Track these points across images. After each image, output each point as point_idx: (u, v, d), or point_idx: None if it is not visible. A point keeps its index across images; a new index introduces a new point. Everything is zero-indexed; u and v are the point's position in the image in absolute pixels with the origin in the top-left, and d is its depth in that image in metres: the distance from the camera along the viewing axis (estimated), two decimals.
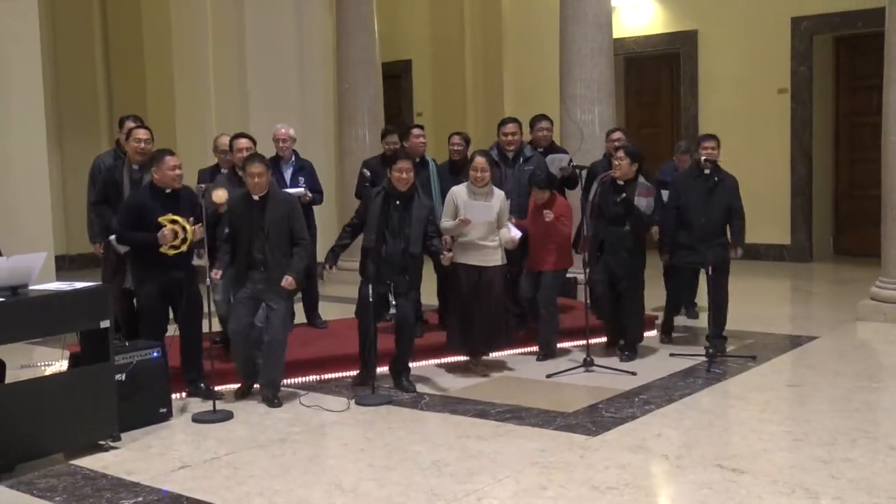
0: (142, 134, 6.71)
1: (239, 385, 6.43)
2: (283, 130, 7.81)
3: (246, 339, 6.24)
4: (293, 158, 7.88)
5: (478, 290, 6.68)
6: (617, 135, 7.99)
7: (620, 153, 7.11)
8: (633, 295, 7.12)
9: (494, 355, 7.13)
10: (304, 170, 7.91)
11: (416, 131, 7.70)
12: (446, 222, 6.73)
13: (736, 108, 12.16)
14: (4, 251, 5.60)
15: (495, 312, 6.77)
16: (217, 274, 6.14)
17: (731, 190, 7.27)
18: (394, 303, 6.25)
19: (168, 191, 6.11)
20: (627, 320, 7.17)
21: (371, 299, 6.22)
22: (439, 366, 7.09)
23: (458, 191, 6.77)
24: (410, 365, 6.68)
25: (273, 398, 6.17)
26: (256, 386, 6.36)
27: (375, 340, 6.42)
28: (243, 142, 7.00)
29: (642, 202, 6.99)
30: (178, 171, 6.11)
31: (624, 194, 6.93)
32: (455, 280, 6.81)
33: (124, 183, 6.65)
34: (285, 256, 6.22)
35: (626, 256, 7.04)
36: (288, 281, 6.15)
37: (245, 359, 6.30)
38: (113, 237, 6.49)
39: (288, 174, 7.79)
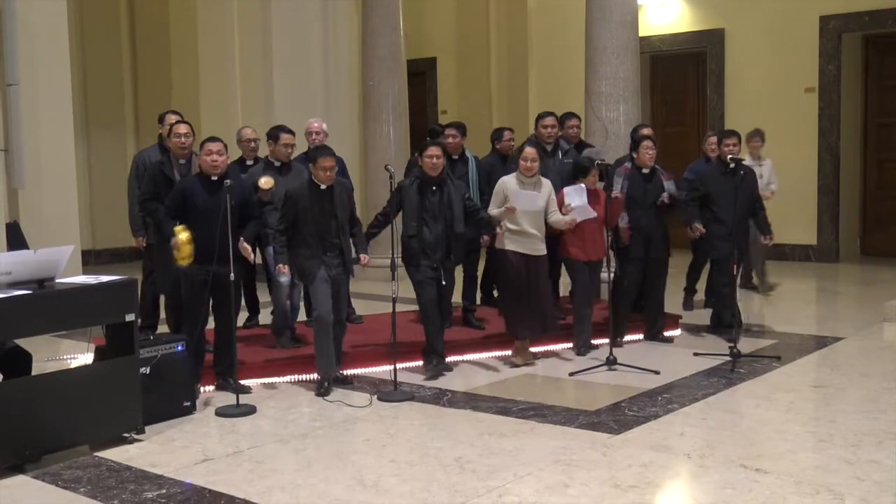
0: (182, 129, 6.82)
1: (324, 383, 6.33)
2: (315, 124, 7.92)
3: (331, 330, 6.35)
4: None
5: (528, 278, 6.82)
6: (647, 130, 8.24)
7: (649, 143, 7.55)
8: (664, 281, 7.69)
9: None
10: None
11: (446, 131, 7.88)
12: (493, 209, 6.86)
13: (763, 107, 12.06)
14: (32, 245, 5.66)
15: (544, 299, 6.97)
16: (284, 269, 6.32)
17: (753, 183, 7.71)
18: (444, 283, 6.56)
19: (214, 178, 6.16)
20: (657, 305, 7.70)
21: (442, 281, 6.59)
22: (463, 362, 7.09)
23: (508, 180, 6.88)
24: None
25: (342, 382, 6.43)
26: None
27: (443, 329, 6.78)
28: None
29: (671, 186, 7.58)
30: (213, 157, 6.14)
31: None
32: (505, 267, 6.90)
33: (175, 179, 6.69)
34: (349, 240, 6.48)
35: (663, 241, 7.58)
36: (366, 259, 6.47)
37: (331, 350, 6.38)
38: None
39: None
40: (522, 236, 6.82)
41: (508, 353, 7.13)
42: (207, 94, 11.84)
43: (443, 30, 14.67)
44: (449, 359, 7.02)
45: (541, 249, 6.90)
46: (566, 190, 7.05)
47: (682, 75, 13.43)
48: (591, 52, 9.39)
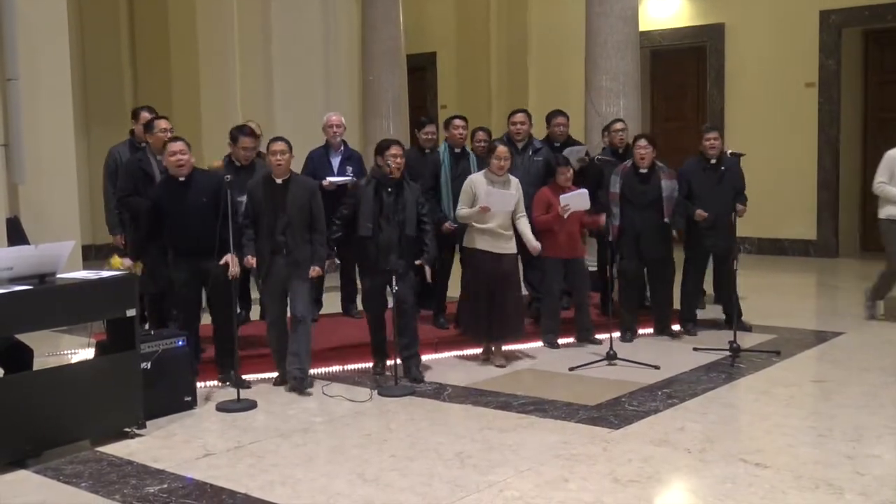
0: (164, 124, 6.78)
1: (276, 374, 6.45)
2: (335, 118, 7.86)
3: (282, 330, 6.32)
4: (342, 147, 7.90)
5: (494, 278, 6.71)
6: (620, 125, 8.07)
7: (643, 141, 7.37)
8: (669, 278, 7.54)
9: (513, 346, 7.12)
10: (353, 159, 7.94)
11: (456, 122, 7.67)
12: (463, 210, 6.78)
13: (763, 102, 12.08)
14: (32, 240, 5.66)
15: (511, 301, 6.78)
16: (252, 260, 6.19)
17: (736, 174, 7.63)
18: (395, 287, 6.28)
19: (181, 179, 6.16)
20: (663, 303, 7.61)
21: (394, 287, 6.28)
22: (462, 357, 7.10)
23: (477, 179, 6.80)
24: (434, 356, 6.81)
25: (301, 382, 6.19)
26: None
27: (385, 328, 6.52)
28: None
29: (668, 185, 7.35)
30: (177, 157, 6.13)
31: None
32: (471, 266, 6.87)
33: (155, 174, 6.66)
34: (305, 241, 6.22)
35: (660, 241, 7.41)
36: (316, 271, 6.23)
37: (282, 349, 6.34)
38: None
39: (336, 162, 7.80)
40: (491, 235, 6.71)
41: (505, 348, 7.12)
42: (207, 89, 11.82)
43: (443, 24, 14.66)
44: (444, 354, 7.06)
45: (510, 248, 6.78)
46: (565, 196, 6.99)
47: (682, 70, 13.41)
48: (591, 46, 9.40)
